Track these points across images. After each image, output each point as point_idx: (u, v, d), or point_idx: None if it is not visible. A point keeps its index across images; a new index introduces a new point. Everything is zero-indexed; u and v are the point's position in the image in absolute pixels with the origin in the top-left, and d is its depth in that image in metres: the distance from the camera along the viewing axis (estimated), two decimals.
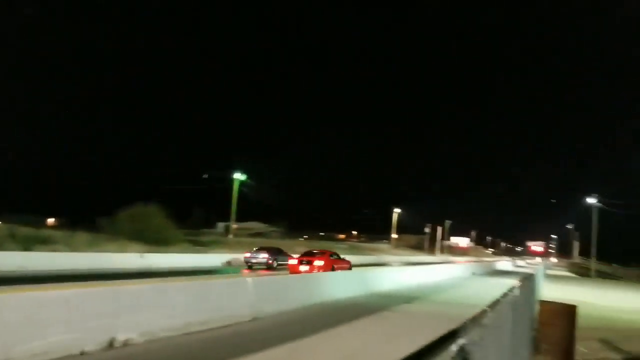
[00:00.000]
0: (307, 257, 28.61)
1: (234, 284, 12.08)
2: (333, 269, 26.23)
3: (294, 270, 26.91)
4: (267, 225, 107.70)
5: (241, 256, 37.16)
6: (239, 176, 49.57)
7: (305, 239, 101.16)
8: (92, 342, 7.69)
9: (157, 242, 38.44)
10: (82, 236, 33.62)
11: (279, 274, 16.20)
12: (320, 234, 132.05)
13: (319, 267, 26.62)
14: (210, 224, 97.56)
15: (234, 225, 55.86)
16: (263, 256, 33.49)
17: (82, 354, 7.45)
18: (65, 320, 7.49)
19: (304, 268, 26.64)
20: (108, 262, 27.15)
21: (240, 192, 50.85)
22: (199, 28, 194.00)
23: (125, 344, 8.15)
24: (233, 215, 50.37)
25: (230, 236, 52.16)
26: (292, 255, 33.87)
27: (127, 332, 8.32)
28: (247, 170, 51.62)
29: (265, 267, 32.68)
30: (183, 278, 12.38)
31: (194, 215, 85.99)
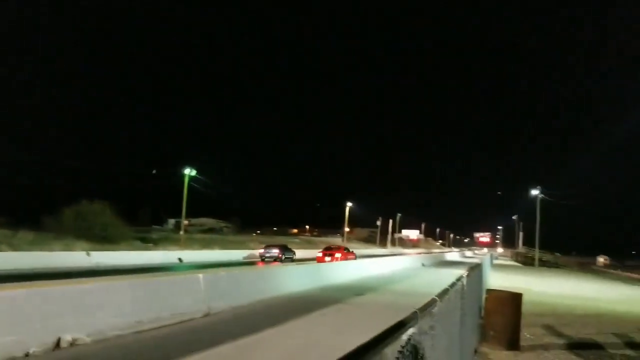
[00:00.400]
0: (329, 251, 40.42)
1: (186, 280, 11.87)
2: (347, 259, 36.70)
3: (320, 260, 35.02)
4: (219, 221, 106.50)
5: (193, 253, 36.86)
6: (188, 171, 48.59)
7: (258, 234, 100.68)
8: (38, 343, 7.42)
9: (104, 240, 37.55)
10: (25, 235, 32.47)
11: (233, 269, 16.06)
12: (274, 228, 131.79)
13: (338, 258, 36.75)
14: (161, 221, 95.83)
15: (185, 222, 54.94)
16: (274, 251, 40.59)
17: (26, 355, 7.19)
18: (9, 322, 7.21)
19: (328, 259, 36.10)
20: (53, 261, 26.27)
21: (191, 188, 49.97)
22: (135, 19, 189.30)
23: (73, 344, 7.90)
24: (184, 212, 49.43)
25: (181, 233, 51.25)
26: (294, 250, 44.69)
27: (74, 332, 8.07)
28: (198, 165, 50.72)
29: (275, 260, 38.94)
30: (132, 276, 12.07)
31: (143, 212, 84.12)
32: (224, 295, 12.57)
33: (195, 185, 51.96)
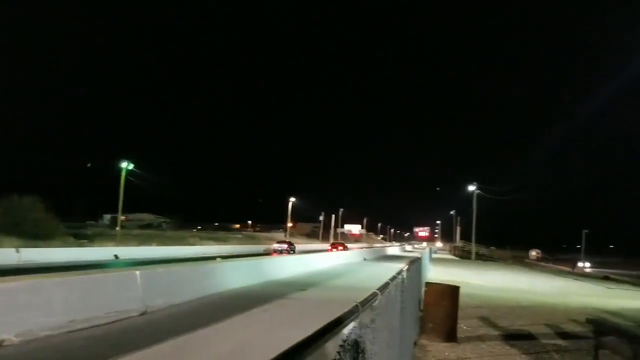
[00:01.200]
0: (336, 245, 65.61)
1: (122, 277, 11.46)
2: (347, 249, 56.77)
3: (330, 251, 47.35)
4: (157, 216, 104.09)
5: (131, 249, 35.89)
6: (126, 165, 47.03)
7: (198, 229, 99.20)
8: None
9: (36, 236, 35.95)
10: None
11: (172, 266, 15.67)
12: (215, 224, 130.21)
13: (342, 250, 52.78)
14: (96, 217, 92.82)
15: (122, 217, 53.28)
16: (285, 246, 53.53)
17: None
18: None
19: (335, 250, 48.76)
20: None
21: (129, 182, 48.49)
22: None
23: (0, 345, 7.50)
24: (120, 207, 47.81)
25: (118, 228, 49.68)
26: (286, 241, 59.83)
27: (2, 332, 7.68)
28: (137, 159, 49.24)
29: (286, 252, 49.31)
30: (64, 273, 11.55)
31: (77, 207, 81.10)
32: (163, 292, 12.23)
33: (133, 179, 50.56)
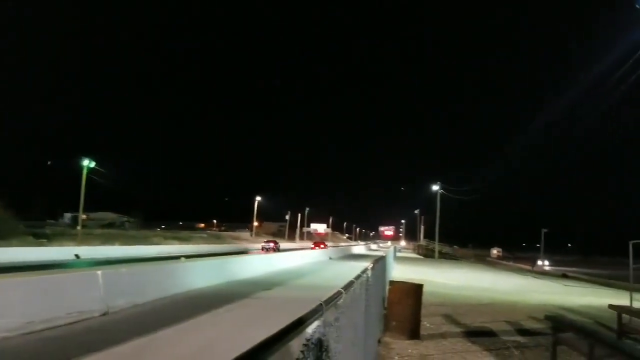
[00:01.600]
0: (318, 244, 72.29)
1: (82, 277, 11.24)
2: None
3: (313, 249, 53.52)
4: (120, 215, 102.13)
5: (92, 249, 35.16)
6: (87, 163, 45.89)
7: (162, 229, 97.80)
8: None
9: None
10: None
11: (135, 266, 15.46)
12: (180, 223, 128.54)
13: (322, 248, 56.59)
14: (56, 216, 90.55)
15: (83, 216, 52.08)
16: (272, 244, 58.67)
17: None
18: None
19: (317, 249, 54.81)
20: None
21: (91, 180, 47.42)
22: None
23: None
24: (81, 205, 46.64)
25: (79, 228, 48.52)
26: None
27: None
28: (99, 157, 48.16)
29: (272, 250, 52.94)
30: (22, 274, 11.28)
31: (36, 205, 78.90)
32: (125, 292, 12.04)
33: (95, 177, 49.48)
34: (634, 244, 12.79)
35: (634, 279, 13.93)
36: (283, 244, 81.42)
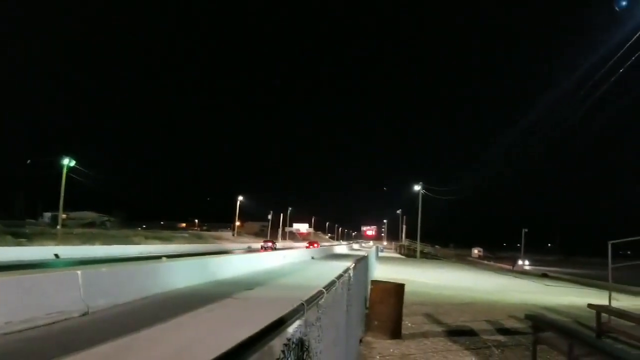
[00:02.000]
0: (312, 243, 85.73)
1: (62, 277, 11.09)
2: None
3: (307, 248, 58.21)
4: (100, 215, 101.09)
5: (72, 248, 34.77)
6: (67, 162, 45.33)
7: (143, 228, 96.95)
8: None
9: None
10: None
11: (116, 266, 15.30)
12: (161, 223, 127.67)
13: (315, 247, 63.45)
14: (36, 215, 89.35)
15: (63, 215, 51.45)
16: (270, 244, 66.72)
17: None
18: None
19: (311, 247, 59.82)
20: None
21: (71, 180, 46.85)
22: None
23: None
24: (61, 204, 46.11)
25: (59, 227, 47.91)
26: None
27: None
28: (80, 156, 47.59)
29: (271, 249, 57.33)
30: (1, 273, 11.11)
31: (16, 205, 77.79)
32: (105, 292, 11.92)
33: (75, 177, 48.92)
34: (613, 244, 12.96)
35: (614, 278, 14.12)
36: (261, 245, 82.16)
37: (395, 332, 9.70)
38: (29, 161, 61.49)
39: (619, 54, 19.32)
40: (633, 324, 9.50)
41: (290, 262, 33.06)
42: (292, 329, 2.21)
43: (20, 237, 42.37)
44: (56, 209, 51.26)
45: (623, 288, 26.75)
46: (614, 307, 11.21)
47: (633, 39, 17.81)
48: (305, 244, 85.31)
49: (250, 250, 58.36)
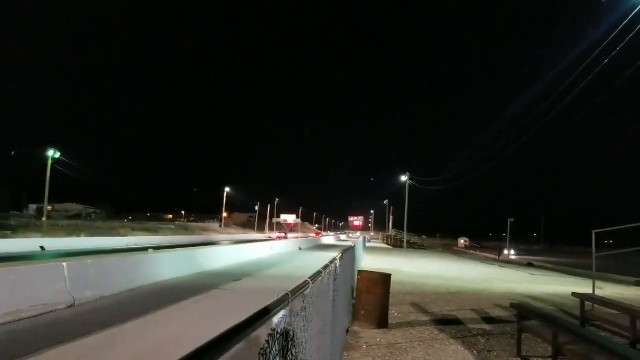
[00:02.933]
0: (318, 233, 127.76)
1: (47, 269, 10.99)
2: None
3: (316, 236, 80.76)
4: (86, 206, 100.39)
5: (58, 240, 34.50)
6: (52, 153, 44.83)
7: (130, 220, 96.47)
8: None
9: None
10: None
11: (102, 257, 15.21)
12: (147, 214, 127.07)
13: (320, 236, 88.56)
14: (21, 206, 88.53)
15: (48, 207, 50.99)
16: (283, 234, 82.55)
17: None
18: None
19: (318, 237, 79.02)
20: None
21: (57, 171, 46.36)
22: None
23: None
24: (46, 196, 45.64)
25: (44, 219, 47.47)
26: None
27: None
28: (66, 148, 47.06)
29: (284, 238, 64.67)
30: None
31: (0, 196, 76.95)
32: (91, 284, 11.86)
33: (61, 168, 48.43)
34: (597, 233, 13.10)
35: (598, 267, 14.29)
36: (248, 235, 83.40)
37: (381, 321, 9.76)
38: (13, 153, 60.70)
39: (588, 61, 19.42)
40: (616, 312, 9.63)
41: (277, 253, 33.11)
42: (276, 318, 2.21)
43: (4, 229, 41.95)
44: (41, 200, 50.76)
45: (607, 276, 27.17)
46: (597, 296, 11.35)
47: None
48: (298, 234, 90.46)
49: (270, 239, 59.68)
